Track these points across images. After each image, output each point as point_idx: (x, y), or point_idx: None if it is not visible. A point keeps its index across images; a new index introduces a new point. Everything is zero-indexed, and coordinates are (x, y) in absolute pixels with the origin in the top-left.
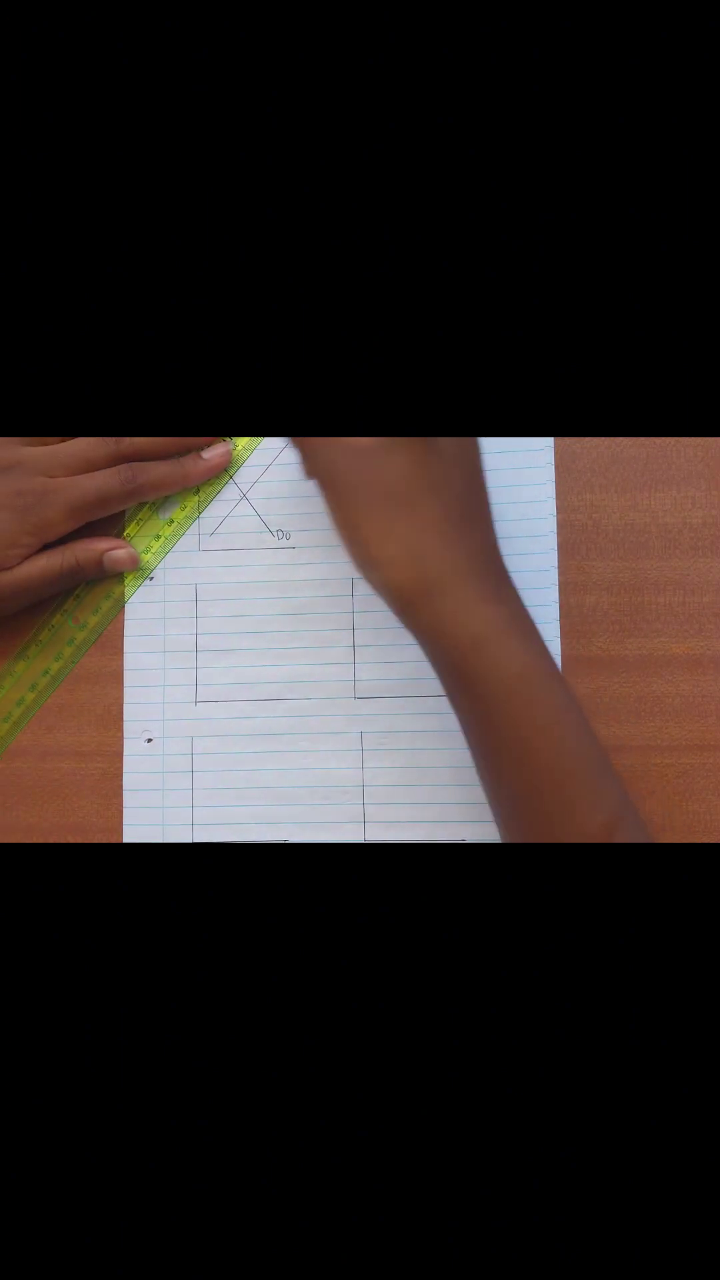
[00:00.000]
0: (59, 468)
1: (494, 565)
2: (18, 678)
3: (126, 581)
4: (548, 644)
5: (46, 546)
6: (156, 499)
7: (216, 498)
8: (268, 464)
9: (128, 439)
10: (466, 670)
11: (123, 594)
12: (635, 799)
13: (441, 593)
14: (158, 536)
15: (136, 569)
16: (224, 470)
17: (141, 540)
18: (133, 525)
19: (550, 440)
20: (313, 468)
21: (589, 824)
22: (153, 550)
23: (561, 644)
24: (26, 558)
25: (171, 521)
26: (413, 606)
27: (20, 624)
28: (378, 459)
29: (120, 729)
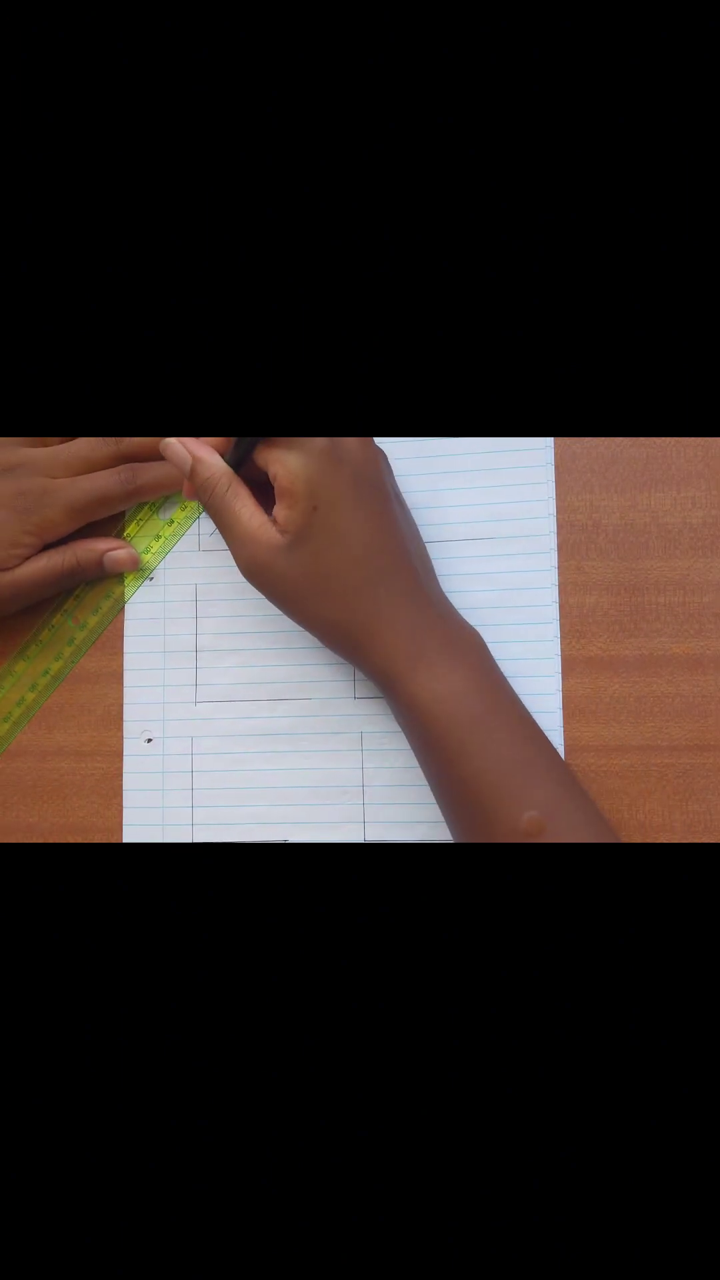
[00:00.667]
0: (60, 468)
1: (412, 604)
2: (18, 678)
3: (126, 582)
4: (547, 644)
5: (48, 547)
6: (157, 499)
7: None
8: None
9: (128, 439)
10: (392, 701)
11: (122, 594)
12: (635, 799)
13: (357, 646)
14: (158, 536)
15: (137, 569)
16: None
17: (141, 540)
18: (133, 525)
19: (550, 440)
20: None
21: (515, 822)
22: (153, 550)
23: (561, 644)
24: (27, 558)
25: (171, 522)
26: (352, 658)
27: (20, 624)
28: (278, 564)
29: (120, 729)
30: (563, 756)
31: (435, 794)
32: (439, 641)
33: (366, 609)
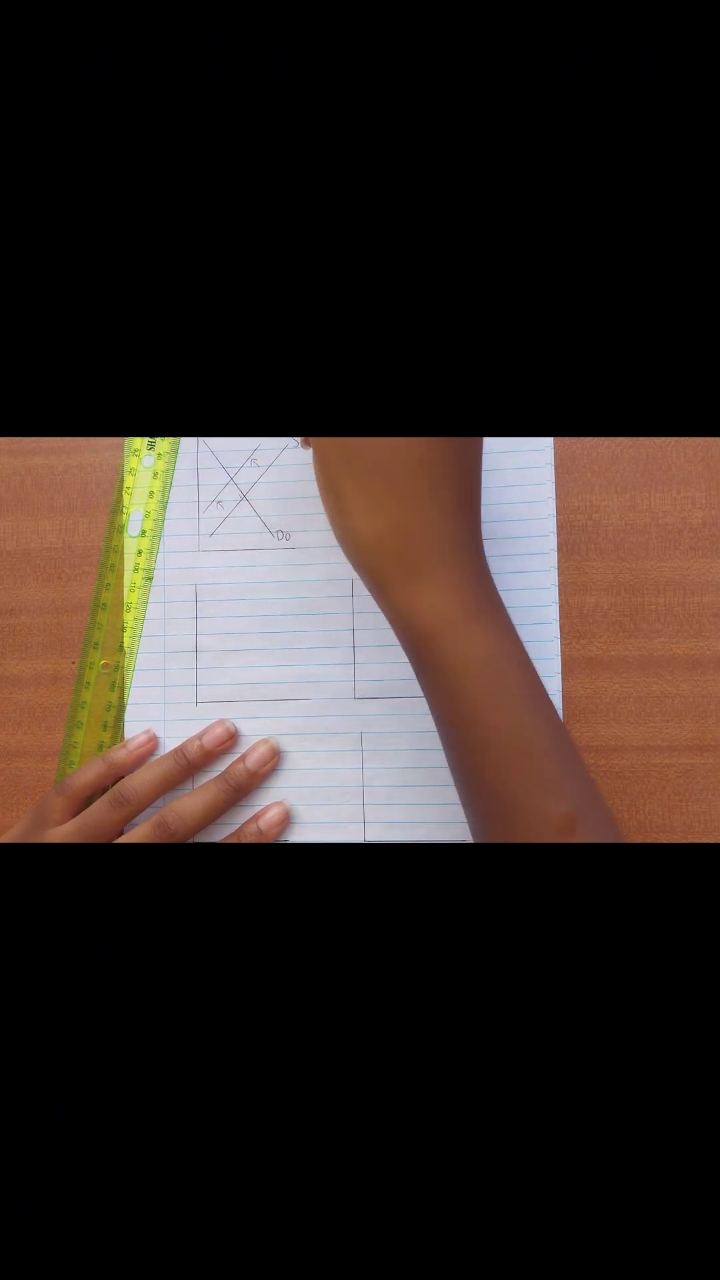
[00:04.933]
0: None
1: (473, 553)
2: (85, 729)
3: (131, 586)
4: (547, 644)
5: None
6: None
7: (217, 498)
8: (268, 464)
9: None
10: (434, 651)
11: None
12: (635, 799)
13: (418, 574)
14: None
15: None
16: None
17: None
18: (129, 479)
19: (550, 440)
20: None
21: (550, 813)
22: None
23: (561, 644)
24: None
25: (155, 475)
26: (387, 584)
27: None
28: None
29: (121, 729)
30: None
31: (455, 768)
32: (491, 599)
33: (441, 528)
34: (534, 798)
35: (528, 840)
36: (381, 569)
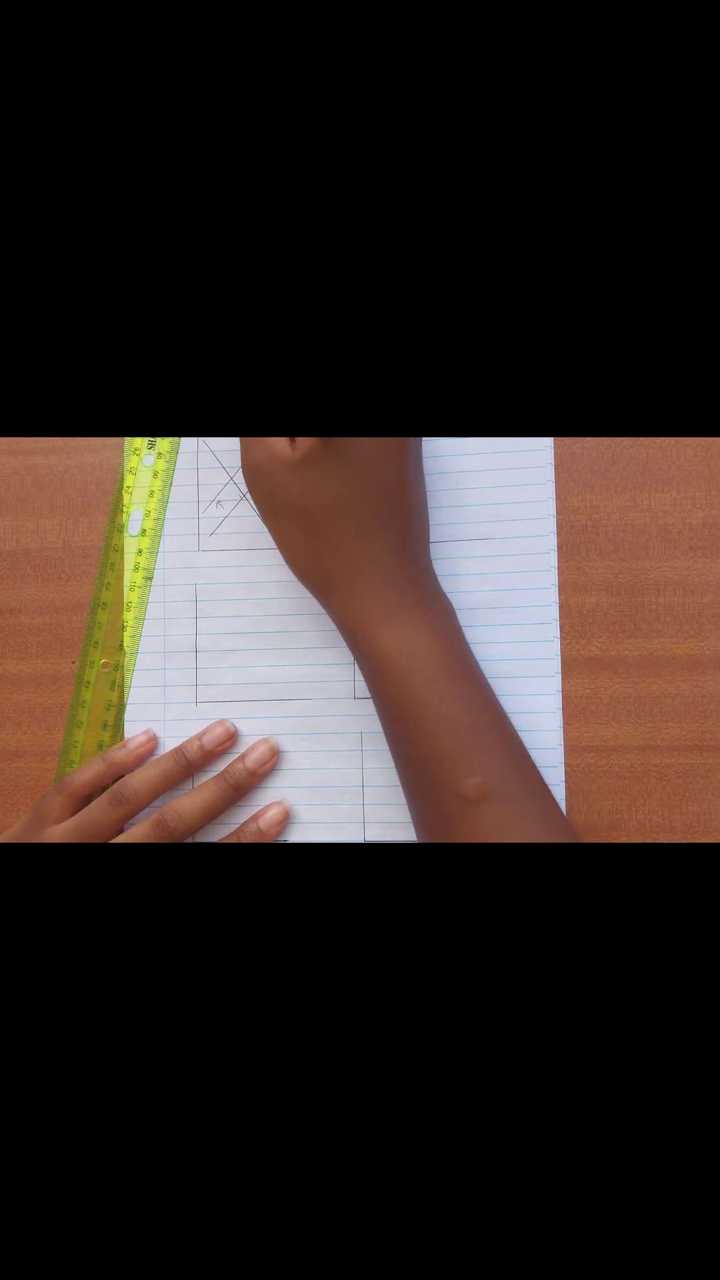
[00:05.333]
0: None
1: (390, 564)
2: (84, 728)
3: (131, 585)
4: (547, 644)
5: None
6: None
7: (217, 498)
8: None
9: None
10: (355, 647)
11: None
12: (635, 799)
13: (332, 588)
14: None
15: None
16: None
17: (138, 496)
18: (129, 478)
19: (550, 440)
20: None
21: (459, 786)
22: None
23: (561, 644)
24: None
25: (155, 474)
26: (318, 597)
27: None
28: (279, 476)
29: (121, 729)
30: (562, 757)
31: (390, 749)
32: (412, 599)
33: (352, 550)
34: (443, 769)
35: (441, 811)
36: (308, 586)
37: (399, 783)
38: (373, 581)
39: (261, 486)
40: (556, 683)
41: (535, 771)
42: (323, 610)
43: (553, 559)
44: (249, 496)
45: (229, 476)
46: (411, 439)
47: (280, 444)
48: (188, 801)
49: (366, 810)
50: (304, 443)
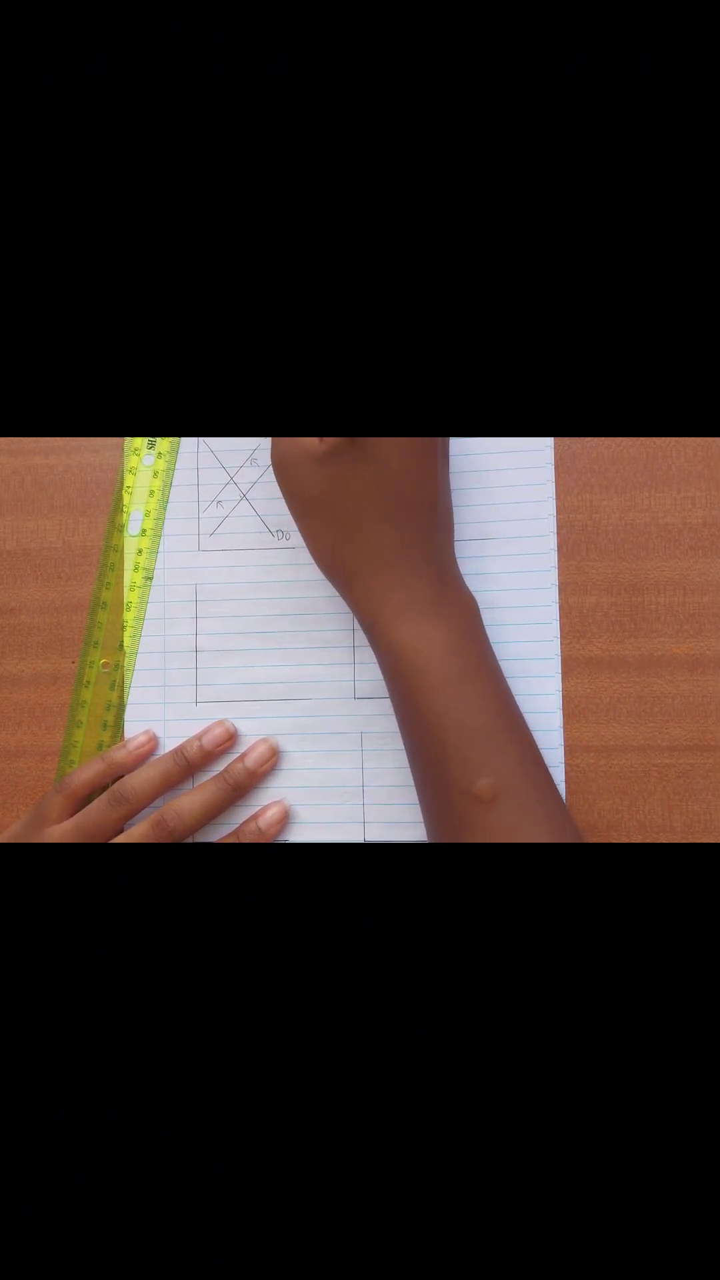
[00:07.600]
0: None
1: (417, 555)
2: (84, 728)
3: (131, 585)
4: (547, 644)
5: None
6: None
7: (217, 498)
8: (268, 464)
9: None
10: (372, 640)
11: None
12: (635, 799)
13: (351, 581)
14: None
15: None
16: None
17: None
18: (129, 478)
19: (550, 440)
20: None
21: (469, 785)
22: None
23: (561, 644)
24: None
25: (155, 474)
26: (339, 589)
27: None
28: (307, 470)
29: (120, 729)
30: (562, 757)
31: (404, 746)
32: (432, 595)
33: (373, 543)
34: (454, 768)
35: (451, 810)
36: (331, 578)
37: (403, 781)
38: (393, 575)
39: (289, 478)
40: (556, 683)
41: (547, 774)
42: (323, 610)
43: (553, 559)
44: (255, 496)
45: (229, 476)
46: (440, 439)
47: (308, 438)
48: (187, 801)
49: (366, 810)
50: (331, 438)
